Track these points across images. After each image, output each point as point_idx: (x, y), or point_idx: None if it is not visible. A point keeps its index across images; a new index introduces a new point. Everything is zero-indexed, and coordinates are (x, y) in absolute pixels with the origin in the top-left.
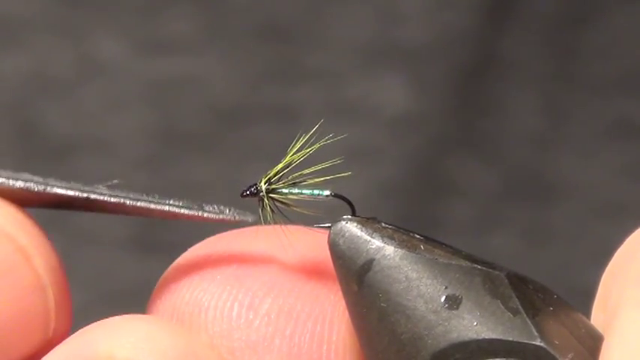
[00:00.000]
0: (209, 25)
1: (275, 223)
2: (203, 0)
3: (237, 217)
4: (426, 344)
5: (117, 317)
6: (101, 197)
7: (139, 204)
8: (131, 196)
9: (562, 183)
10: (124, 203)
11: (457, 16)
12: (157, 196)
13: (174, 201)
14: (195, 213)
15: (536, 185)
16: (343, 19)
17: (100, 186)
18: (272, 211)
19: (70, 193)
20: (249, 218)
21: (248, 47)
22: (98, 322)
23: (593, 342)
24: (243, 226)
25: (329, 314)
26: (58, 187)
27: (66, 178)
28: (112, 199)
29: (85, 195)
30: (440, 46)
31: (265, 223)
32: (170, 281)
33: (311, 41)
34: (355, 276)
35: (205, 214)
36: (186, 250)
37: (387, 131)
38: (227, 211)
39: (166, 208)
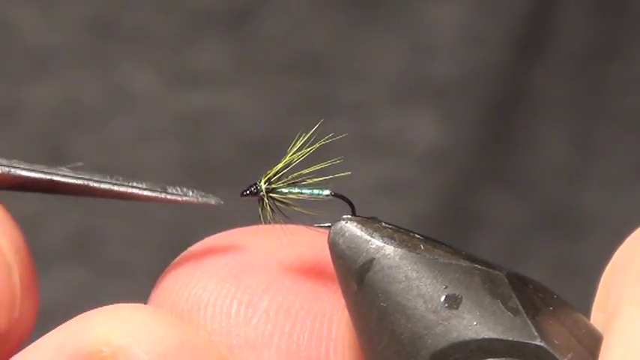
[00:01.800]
0: (239, 58)
1: (275, 222)
2: (233, 32)
3: (200, 199)
4: (425, 344)
5: (115, 305)
6: (65, 179)
7: (102, 186)
8: (95, 177)
9: (590, 216)
10: (88, 185)
11: (488, 51)
12: (120, 178)
13: (137, 183)
14: (159, 195)
15: (564, 219)
16: (374, 53)
17: (64, 168)
18: (272, 210)
19: (34, 175)
20: (212, 200)
21: (278, 80)
22: (96, 309)
23: (592, 342)
24: (208, 209)
25: (328, 312)
26: (21, 169)
27: (94, 209)
28: (76, 181)
29: (48, 177)
30: (471, 80)
31: (265, 222)
32: (169, 279)
33: (342, 75)
34: (355, 275)
35: (169, 197)
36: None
37: (418, 166)
38: (190, 193)
39: (130, 190)
